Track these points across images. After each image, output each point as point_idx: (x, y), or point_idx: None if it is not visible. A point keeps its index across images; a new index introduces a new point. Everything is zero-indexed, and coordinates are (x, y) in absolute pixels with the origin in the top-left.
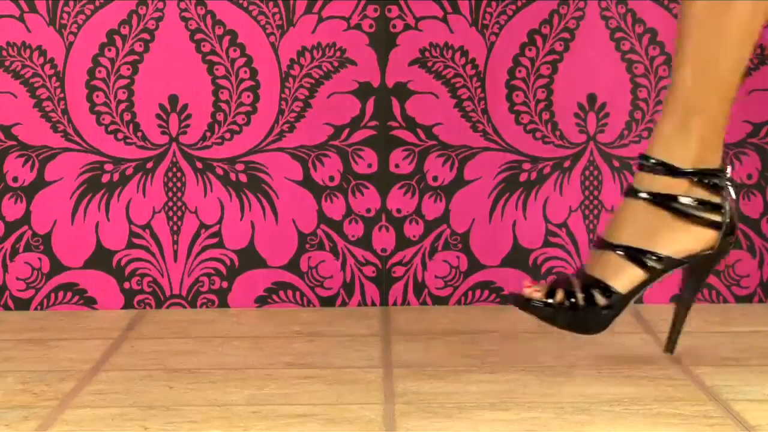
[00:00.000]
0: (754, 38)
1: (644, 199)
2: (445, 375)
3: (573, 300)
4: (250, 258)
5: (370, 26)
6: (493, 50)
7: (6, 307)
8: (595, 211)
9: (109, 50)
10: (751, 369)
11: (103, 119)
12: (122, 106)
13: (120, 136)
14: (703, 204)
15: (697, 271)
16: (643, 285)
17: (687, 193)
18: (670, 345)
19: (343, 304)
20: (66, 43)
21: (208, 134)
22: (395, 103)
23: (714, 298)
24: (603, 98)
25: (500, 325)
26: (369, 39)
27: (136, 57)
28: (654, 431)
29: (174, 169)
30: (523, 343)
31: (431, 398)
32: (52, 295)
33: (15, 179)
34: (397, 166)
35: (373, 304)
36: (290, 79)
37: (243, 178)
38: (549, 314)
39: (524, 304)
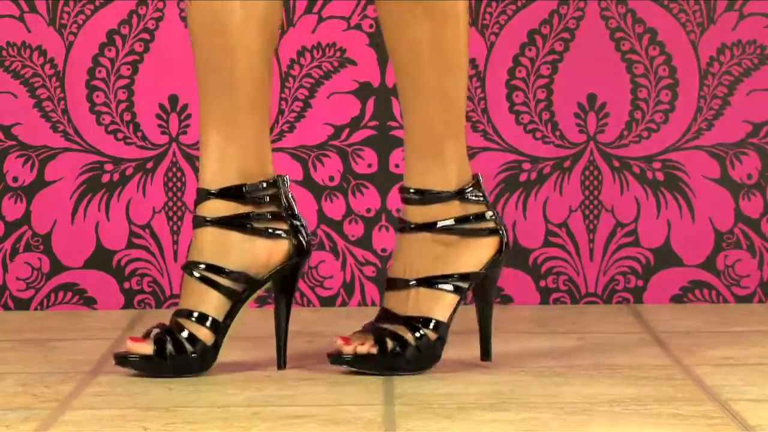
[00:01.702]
0: (466, 48)
1: (437, 230)
2: (445, 375)
3: (404, 341)
4: None
5: (370, 26)
6: (493, 50)
7: (6, 307)
8: (595, 211)
9: (109, 50)
10: (751, 369)
11: (103, 119)
12: (122, 106)
13: (120, 136)
14: (478, 218)
15: (486, 281)
16: (458, 306)
17: (462, 213)
18: (485, 354)
19: (343, 304)
20: (66, 43)
21: None
22: (395, 103)
23: (714, 298)
24: (603, 98)
25: (500, 325)
26: (369, 39)
27: (136, 57)
28: (654, 431)
29: (174, 169)
30: (523, 343)
31: (431, 399)
32: (52, 295)
33: (15, 179)
34: (397, 166)
35: (373, 304)
36: (290, 79)
37: None
38: (375, 364)
39: (353, 360)
